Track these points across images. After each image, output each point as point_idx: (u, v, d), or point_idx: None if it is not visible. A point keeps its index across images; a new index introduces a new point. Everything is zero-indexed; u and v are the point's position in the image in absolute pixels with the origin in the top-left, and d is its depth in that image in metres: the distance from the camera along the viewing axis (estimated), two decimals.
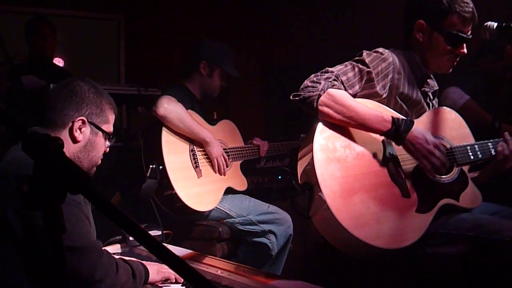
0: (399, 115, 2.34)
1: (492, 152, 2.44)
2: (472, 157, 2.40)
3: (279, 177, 4.20)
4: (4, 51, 3.90)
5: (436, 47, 2.42)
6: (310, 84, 2.25)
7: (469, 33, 2.42)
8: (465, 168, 2.42)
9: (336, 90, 2.22)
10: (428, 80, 2.55)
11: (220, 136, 3.65)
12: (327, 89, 2.21)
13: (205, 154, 3.49)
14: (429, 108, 2.53)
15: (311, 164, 2.15)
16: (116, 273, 1.82)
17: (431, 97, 2.60)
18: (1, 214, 1.72)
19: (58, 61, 5.08)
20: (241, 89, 6.13)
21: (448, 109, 2.51)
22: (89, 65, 5.62)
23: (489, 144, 2.45)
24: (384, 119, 2.21)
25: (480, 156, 2.42)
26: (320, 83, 2.22)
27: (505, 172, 2.47)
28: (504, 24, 2.32)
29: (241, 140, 3.88)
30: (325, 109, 2.20)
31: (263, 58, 6.35)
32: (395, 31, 2.57)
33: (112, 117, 2.15)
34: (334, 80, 2.25)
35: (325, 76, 2.26)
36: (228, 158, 3.60)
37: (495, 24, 2.33)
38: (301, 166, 2.28)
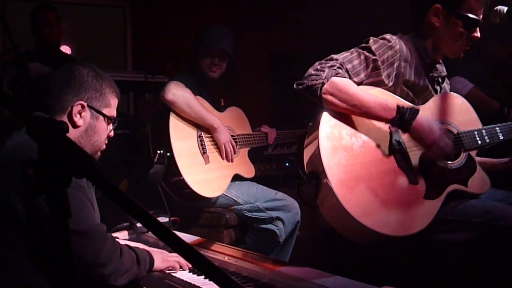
0: (404, 101, 2.32)
1: (500, 136, 2.42)
2: (479, 142, 2.38)
3: (287, 164, 4.21)
4: (11, 39, 3.89)
5: (452, 32, 2.38)
6: (313, 72, 2.23)
7: (481, 16, 2.39)
8: (473, 153, 2.40)
9: (339, 78, 2.20)
10: (436, 66, 2.52)
11: (228, 122, 3.65)
12: (330, 77, 2.19)
13: (212, 140, 3.48)
14: (437, 94, 2.51)
15: (317, 152, 2.14)
16: (120, 258, 1.81)
17: (440, 82, 2.57)
18: (5, 198, 1.72)
19: (65, 49, 5.07)
20: (249, 76, 6.12)
21: (455, 94, 2.50)
22: (96, 53, 5.62)
23: (497, 128, 2.43)
24: (389, 107, 2.19)
25: (487, 141, 2.40)
26: (324, 71, 2.21)
27: None
28: None
29: (249, 127, 3.87)
30: (329, 97, 2.18)
31: (271, 45, 6.32)
32: (403, 18, 2.55)
33: (113, 101, 2.11)
34: (339, 68, 2.23)
35: (329, 64, 2.24)
36: (236, 145, 3.59)
37: (506, 8, 2.31)
38: (307, 155, 2.27)
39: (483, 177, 2.38)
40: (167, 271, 2.05)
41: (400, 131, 2.25)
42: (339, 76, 2.21)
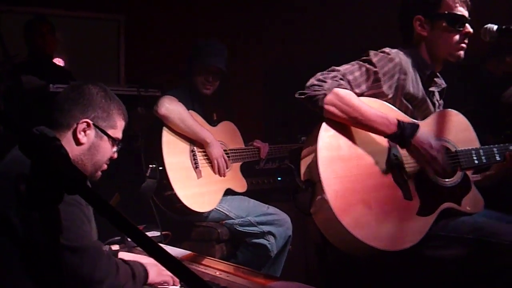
0: (405, 116, 2.34)
1: (497, 157, 2.43)
2: (476, 162, 2.39)
3: (279, 179, 4.21)
4: (5, 51, 3.90)
5: (442, 34, 2.41)
6: (316, 82, 2.23)
7: (467, 15, 2.42)
8: (469, 172, 2.41)
9: (342, 90, 2.21)
10: (435, 79, 2.53)
11: (221, 137, 3.65)
12: (333, 88, 2.20)
13: (205, 155, 3.49)
14: (435, 108, 2.52)
15: (314, 162, 2.15)
16: (116, 274, 1.81)
17: (438, 97, 2.59)
18: (2, 212, 1.72)
19: (59, 61, 5.08)
20: (242, 90, 6.13)
21: (455, 111, 2.49)
22: (89, 66, 5.62)
23: (494, 149, 2.44)
24: (390, 121, 2.20)
25: (484, 161, 2.41)
26: (326, 82, 2.22)
27: (508, 178, 2.48)
28: (504, 27, 2.31)
29: (242, 142, 3.88)
30: (331, 108, 2.19)
31: (264, 60, 6.35)
32: (397, 31, 2.57)
33: (120, 123, 2.13)
34: (341, 79, 2.24)
35: (331, 75, 2.25)
36: (228, 159, 3.60)
37: (495, 27, 2.33)
38: (304, 163, 2.28)
39: (477, 197, 2.39)
40: (159, 286, 2.04)
41: (398, 145, 2.26)
42: (341, 88, 2.21)
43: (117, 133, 2.12)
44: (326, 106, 2.19)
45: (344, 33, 5.40)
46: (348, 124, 2.24)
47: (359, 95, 2.29)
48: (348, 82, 2.27)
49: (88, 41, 5.82)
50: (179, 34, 5.88)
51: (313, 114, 2.29)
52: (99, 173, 2.13)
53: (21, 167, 1.48)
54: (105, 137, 2.07)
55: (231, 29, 6.12)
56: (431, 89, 2.52)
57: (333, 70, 2.29)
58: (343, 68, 2.31)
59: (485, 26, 2.35)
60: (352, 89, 2.26)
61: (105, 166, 2.14)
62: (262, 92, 6.46)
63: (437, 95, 2.58)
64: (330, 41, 5.61)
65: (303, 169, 2.28)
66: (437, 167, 2.23)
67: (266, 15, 6.19)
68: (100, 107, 2.05)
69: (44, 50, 4.46)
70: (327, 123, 2.23)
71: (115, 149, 2.13)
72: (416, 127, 2.22)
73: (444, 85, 2.59)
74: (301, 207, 2.29)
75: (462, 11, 2.40)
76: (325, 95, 2.19)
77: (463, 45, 2.43)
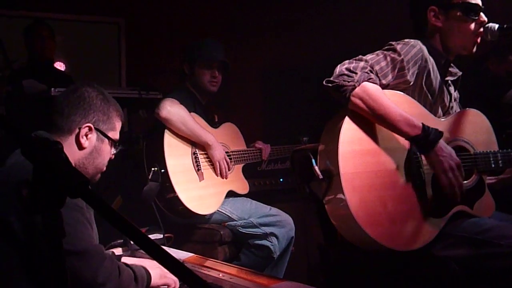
0: (431, 116, 2.33)
1: None
2: (493, 165, 2.38)
3: (281, 180, 4.21)
4: (5, 56, 3.90)
5: (457, 24, 2.40)
6: (346, 72, 2.19)
7: (481, 3, 2.41)
8: (484, 176, 2.40)
9: (371, 85, 2.18)
10: (450, 69, 2.52)
11: (223, 139, 3.65)
12: (363, 81, 2.17)
13: (207, 157, 3.49)
14: (451, 99, 2.50)
15: (335, 154, 2.13)
16: (119, 277, 1.82)
17: (454, 87, 2.58)
18: (4, 217, 1.72)
19: (59, 65, 5.09)
20: (242, 92, 6.14)
21: (476, 111, 2.48)
22: (90, 69, 5.63)
23: None
24: (414, 124, 2.17)
25: (501, 165, 2.40)
26: (357, 73, 2.18)
27: None
28: (505, 26, 2.31)
29: (244, 143, 3.88)
30: (358, 101, 2.16)
31: (264, 61, 6.35)
32: (397, 31, 2.56)
33: (118, 125, 2.15)
34: (370, 71, 2.21)
35: (361, 65, 2.21)
36: (230, 161, 3.60)
37: (496, 26, 2.33)
38: (323, 153, 2.26)
39: (490, 201, 2.38)
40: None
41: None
42: (371, 82, 2.19)
43: (116, 135, 2.14)
44: (353, 99, 2.16)
45: (344, 33, 5.40)
46: (372, 120, 2.22)
47: (385, 85, 2.27)
48: (376, 73, 2.24)
49: (88, 45, 5.83)
50: (179, 36, 5.89)
51: (314, 114, 2.28)
52: (99, 175, 2.15)
53: (22, 172, 1.50)
54: (106, 140, 2.08)
55: (231, 30, 6.13)
56: (447, 78, 2.51)
57: (361, 59, 2.26)
58: (369, 57, 2.28)
59: (487, 25, 2.35)
60: (379, 80, 2.24)
61: (105, 168, 2.15)
62: (262, 93, 6.46)
63: (452, 85, 2.57)
64: (329, 42, 5.61)
65: (321, 159, 2.26)
66: (453, 179, 2.19)
67: (265, 15, 6.20)
68: (101, 110, 2.07)
69: (44, 54, 4.46)
70: (350, 116, 2.20)
71: (113, 150, 2.15)
72: (439, 134, 2.20)
73: (459, 73, 2.57)
74: (314, 195, 2.28)
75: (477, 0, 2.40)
76: (354, 87, 2.16)
77: (477, 38, 2.41)
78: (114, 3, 5.87)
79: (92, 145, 2.04)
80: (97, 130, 2.05)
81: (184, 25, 6.01)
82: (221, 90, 3.82)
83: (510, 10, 3.87)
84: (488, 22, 2.33)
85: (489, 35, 2.34)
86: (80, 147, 2.02)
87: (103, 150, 2.08)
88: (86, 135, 2.02)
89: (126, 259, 2.24)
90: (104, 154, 2.09)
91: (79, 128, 2.01)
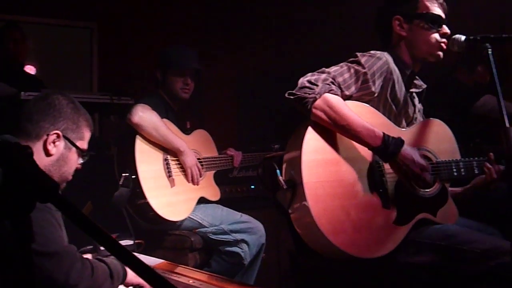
0: (394, 126, 2.36)
1: (475, 171, 2.48)
2: (455, 174, 2.43)
3: (252, 187, 4.23)
4: None
5: (420, 33, 2.45)
6: (307, 84, 2.22)
7: (444, 16, 2.48)
8: (447, 184, 2.44)
9: (332, 96, 2.20)
10: (415, 81, 2.57)
11: (195, 145, 3.65)
12: (324, 93, 2.19)
13: (178, 164, 3.48)
14: (415, 111, 2.55)
15: (298, 163, 2.15)
16: (92, 276, 1.81)
17: (418, 99, 2.62)
18: None
19: (30, 69, 5.03)
20: (215, 99, 6.14)
21: (439, 121, 2.52)
22: (61, 73, 5.58)
23: (474, 162, 2.48)
24: (376, 134, 2.19)
25: (463, 173, 2.44)
26: (318, 85, 2.21)
27: (486, 191, 2.52)
28: (472, 37, 2.35)
29: (215, 150, 3.88)
30: (319, 113, 2.19)
31: (238, 68, 6.36)
32: (371, 38, 2.60)
33: (87, 135, 2.15)
34: (332, 82, 2.24)
35: (322, 77, 2.24)
36: (202, 168, 3.59)
37: (463, 37, 2.37)
38: (287, 163, 2.28)
39: (453, 208, 2.42)
40: None
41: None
42: (332, 93, 2.21)
43: (84, 144, 2.14)
44: (315, 111, 2.19)
45: (318, 40, 5.44)
46: (334, 131, 2.24)
47: (348, 96, 2.30)
48: (338, 84, 2.26)
49: (60, 49, 5.78)
50: (152, 42, 5.87)
51: (286, 121, 2.30)
52: (64, 184, 2.14)
53: None
54: (74, 149, 2.08)
55: (204, 37, 6.13)
56: (411, 90, 2.55)
57: (323, 72, 2.29)
58: (332, 70, 2.30)
59: (453, 36, 2.39)
60: (342, 91, 2.26)
61: (71, 177, 2.14)
62: (235, 100, 6.48)
63: (416, 98, 2.61)
64: (303, 49, 5.65)
65: (285, 168, 2.28)
66: (419, 183, 2.25)
67: (238, 23, 6.22)
68: (70, 119, 2.07)
69: (16, 57, 4.42)
70: (313, 126, 2.23)
71: (81, 160, 2.15)
72: (400, 143, 2.22)
73: (424, 86, 2.63)
74: (280, 206, 2.29)
75: (439, 12, 2.47)
76: (315, 99, 2.19)
77: (442, 45, 2.47)
78: (87, 8, 5.83)
79: (59, 153, 2.04)
80: (65, 138, 2.05)
81: (157, 31, 6.00)
82: (193, 97, 3.82)
83: (481, 22, 3.95)
84: (456, 34, 2.37)
85: (456, 46, 2.38)
86: (47, 153, 2.01)
87: (70, 158, 2.08)
88: (54, 142, 2.02)
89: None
90: (70, 162, 2.09)
91: (47, 135, 2.00)
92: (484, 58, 2.18)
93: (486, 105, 3.78)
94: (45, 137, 2.00)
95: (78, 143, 2.09)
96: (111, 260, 2.01)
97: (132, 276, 2.02)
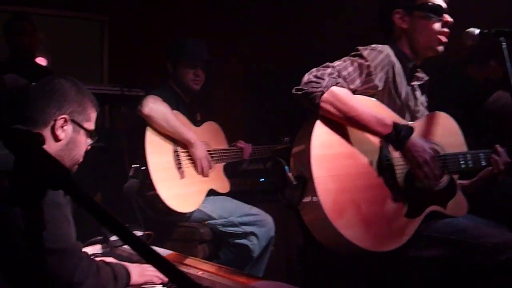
0: (399, 118, 2.36)
1: (482, 163, 2.46)
2: (463, 166, 2.42)
3: (262, 180, 4.22)
4: None
5: (422, 25, 2.45)
6: (313, 79, 2.22)
7: (445, 6, 2.47)
8: (455, 176, 2.43)
9: (339, 89, 2.21)
10: (416, 74, 2.56)
11: (205, 137, 3.65)
12: (330, 86, 2.20)
13: (188, 156, 3.48)
14: (416, 103, 2.54)
15: (307, 158, 2.14)
16: (97, 275, 1.80)
17: (421, 91, 2.61)
18: None
19: (41, 61, 5.03)
20: (225, 91, 6.13)
21: (445, 114, 2.52)
22: (72, 65, 5.58)
23: (481, 154, 2.47)
24: (385, 122, 2.21)
25: (470, 165, 2.43)
26: (324, 79, 2.21)
27: (493, 183, 2.51)
28: (485, 31, 2.34)
29: (225, 142, 3.88)
30: (327, 107, 2.19)
31: (246, 60, 6.35)
32: (376, 35, 2.59)
33: (94, 115, 2.13)
34: (338, 76, 2.24)
35: (328, 72, 2.24)
36: (212, 160, 3.60)
37: (477, 30, 2.35)
38: (295, 159, 2.28)
39: (462, 201, 2.41)
40: (143, 286, 2.04)
41: (390, 147, 2.27)
42: (339, 86, 2.22)
43: (92, 125, 2.12)
44: (323, 104, 2.19)
45: (327, 34, 5.42)
46: (344, 123, 2.24)
47: (353, 90, 2.29)
48: (344, 78, 2.27)
49: (71, 41, 5.78)
50: (162, 34, 5.87)
51: (296, 114, 2.29)
52: (76, 166, 2.12)
53: (3, 164, 1.47)
54: (82, 131, 2.06)
55: (214, 29, 6.12)
56: (412, 83, 2.54)
57: (328, 66, 2.29)
58: (336, 64, 2.31)
59: (467, 30, 2.37)
60: (347, 85, 2.27)
61: (81, 159, 2.13)
62: (244, 93, 6.46)
63: (418, 90, 2.60)
64: (313, 43, 5.63)
65: (293, 164, 2.28)
66: (429, 172, 2.23)
67: (248, 15, 6.20)
68: (75, 101, 2.04)
69: (27, 48, 4.41)
70: (321, 120, 2.23)
71: (90, 141, 2.13)
72: (410, 129, 2.23)
73: (426, 77, 2.61)
74: (289, 202, 2.29)
75: (440, 1, 2.46)
76: (322, 93, 2.19)
77: (443, 37, 2.46)
78: (98, 0, 5.83)
79: (68, 137, 2.02)
80: (73, 121, 2.02)
81: (167, 24, 5.99)
82: (204, 89, 3.83)
83: (494, 15, 3.92)
84: (471, 27, 2.35)
85: (469, 40, 2.36)
86: (56, 139, 1.99)
87: (79, 141, 2.06)
88: (62, 127, 1.99)
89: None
90: (80, 145, 2.07)
91: (55, 120, 1.98)
92: (498, 52, 2.17)
93: (498, 101, 3.75)
94: (52, 122, 1.98)
95: (86, 125, 2.07)
96: (115, 263, 2.02)
97: (136, 277, 2.01)
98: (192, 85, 3.70)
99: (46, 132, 1.98)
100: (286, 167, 2.28)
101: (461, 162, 2.42)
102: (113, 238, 2.52)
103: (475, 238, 2.14)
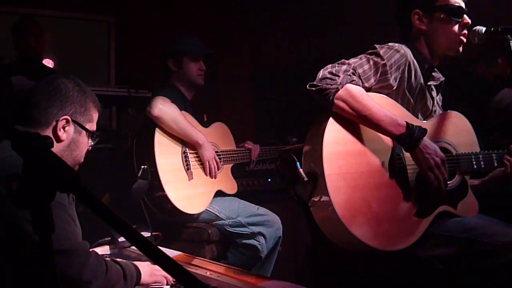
0: (413, 118, 2.35)
1: (495, 163, 2.45)
2: (475, 166, 2.41)
3: (269, 180, 4.22)
4: None
5: (441, 27, 2.43)
6: (328, 75, 2.21)
7: (464, 6, 2.44)
8: (466, 176, 2.42)
9: (354, 86, 2.20)
10: (433, 74, 2.55)
11: (213, 138, 3.65)
12: (345, 83, 2.18)
13: (197, 157, 3.48)
14: (433, 103, 2.53)
15: (319, 155, 2.13)
16: (106, 274, 1.80)
17: (436, 92, 2.60)
18: None
19: (48, 62, 5.05)
20: (232, 91, 6.14)
21: (458, 113, 2.50)
22: (79, 67, 5.59)
23: (493, 155, 2.46)
24: (399, 123, 2.19)
25: (483, 166, 2.42)
26: (339, 76, 2.19)
27: (505, 184, 2.50)
28: (492, 29, 2.33)
29: (233, 143, 3.88)
30: (341, 104, 2.17)
31: (254, 61, 6.35)
32: (386, 33, 2.58)
33: (95, 116, 2.12)
34: (352, 73, 2.23)
35: (343, 68, 2.23)
36: (220, 161, 3.60)
37: (484, 29, 2.35)
38: (307, 155, 2.27)
39: (473, 201, 2.40)
40: (152, 285, 2.04)
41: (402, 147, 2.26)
42: (354, 84, 2.20)
43: (94, 126, 2.11)
44: (337, 101, 2.17)
45: (334, 34, 5.42)
46: (356, 121, 2.23)
47: (368, 89, 2.28)
48: (358, 75, 2.26)
49: (78, 42, 5.80)
50: (169, 35, 5.87)
51: (303, 115, 2.29)
52: (77, 167, 2.12)
53: (8, 169, 1.47)
54: (84, 132, 2.05)
55: (221, 28, 6.12)
56: (429, 83, 2.53)
57: (343, 63, 2.27)
58: (352, 61, 2.29)
59: (474, 28, 2.37)
60: (362, 83, 2.26)
61: (82, 160, 2.13)
62: (252, 93, 6.47)
63: (434, 90, 2.59)
64: (320, 42, 5.62)
65: (305, 160, 2.27)
66: (439, 175, 2.22)
67: (255, 16, 6.21)
68: (77, 102, 2.03)
69: (35, 50, 4.43)
70: (334, 117, 2.22)
71: (91, 142, 2.12)
72: (424, 131, 2.22)
73: (442, 78, 2.60)
74: (299, 198, 2.28)
75: (459, 2, 2.43)
76: (337, 90, 2.17)
77: (462, 38, 2.44)
78: (105, 1, 5.85)
79: (70, 138, 2.01)
80: (75, 122, 2.01)
81: (174, 24, 6.00)
82: (211, 89, 3.83)
83: (501, 12, 3.90)
84: (477, 25, 2.34)
85: (476, 38, 2.35)
86: (58, 139, 1.98)
87: (80, 142, 2.05)
88: (64, 128, 1.98)
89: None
90: (82, 146, 2.06)
91: (56, 121, 1.97)
92: (505, 50, 2.16)
93: (505, 99, 3.74)
94: (54, 123, 1.97)
95: (87, 126, 2.06)
96: (125, 262, 2.01)
97: (146, 276, 2.01)
98: (197, 80, 3.70)
99: (48, 133, 1.96)
100: (298, 163, 2.27)
101: (474, 162, 2.41)
102: (121, 239, 2.52)
103: (485, 237, 2.12)
